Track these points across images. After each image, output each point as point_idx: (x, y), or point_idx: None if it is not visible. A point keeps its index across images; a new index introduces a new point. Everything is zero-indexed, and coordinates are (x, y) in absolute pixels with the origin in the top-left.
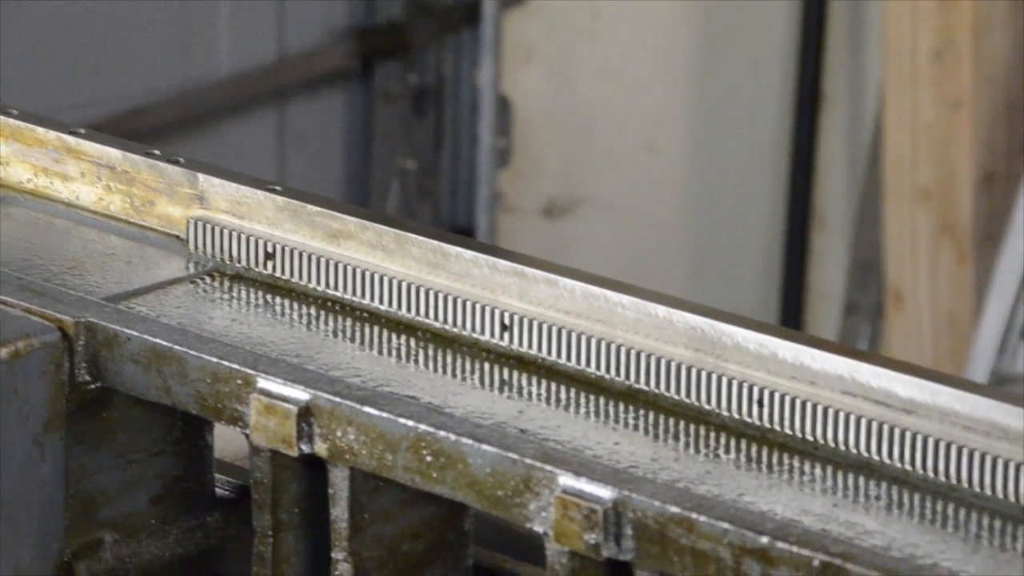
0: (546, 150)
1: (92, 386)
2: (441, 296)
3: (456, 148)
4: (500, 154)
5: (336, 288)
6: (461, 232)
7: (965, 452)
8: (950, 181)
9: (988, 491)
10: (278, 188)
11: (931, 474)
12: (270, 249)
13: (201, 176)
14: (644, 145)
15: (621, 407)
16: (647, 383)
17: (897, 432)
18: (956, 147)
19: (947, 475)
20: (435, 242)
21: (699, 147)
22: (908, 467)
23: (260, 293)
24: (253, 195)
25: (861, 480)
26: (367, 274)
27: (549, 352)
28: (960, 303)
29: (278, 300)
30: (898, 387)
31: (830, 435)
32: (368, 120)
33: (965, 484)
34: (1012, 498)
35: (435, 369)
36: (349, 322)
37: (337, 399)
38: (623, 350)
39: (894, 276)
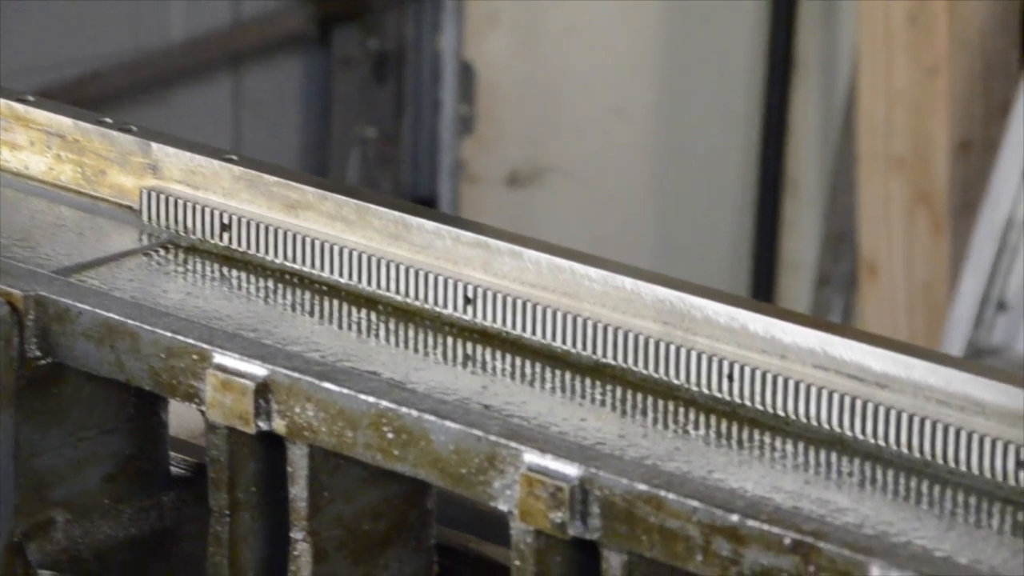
0: (510, 117)
1: (42, 362)
2: (403, 268)
3: (418, 115)
4: (463, 121)
5: (294, 260)
6: (423, 202)
7: (940, 427)
8: (926, 149)
9: (963, 467)
10: (234, 157)
11: (905, 450)
12: (226, 220)
13: (154, 145)
14: (611, 111)
15: (588, 382)
16: (614, 357)
17: (870, 407)
18: (932, 114)
19: (921, 451)
20: (396, 213)
21: (668, 113)
22: (881, 443)
23: (216, 266)
24: (208, 164)
25: (833, 456)
26: (326, 246)
27: (514, 326)
28: (935, 274)
29: (234, 273)
30: (871, 361)
31: (802, 410)
32: (327, 86)
33: (940, 460)
34: (988, 474)
35: (397, 344)
36: (308, 295)
37: (296, 375)
38: (590, 323)
39: (868, 247)
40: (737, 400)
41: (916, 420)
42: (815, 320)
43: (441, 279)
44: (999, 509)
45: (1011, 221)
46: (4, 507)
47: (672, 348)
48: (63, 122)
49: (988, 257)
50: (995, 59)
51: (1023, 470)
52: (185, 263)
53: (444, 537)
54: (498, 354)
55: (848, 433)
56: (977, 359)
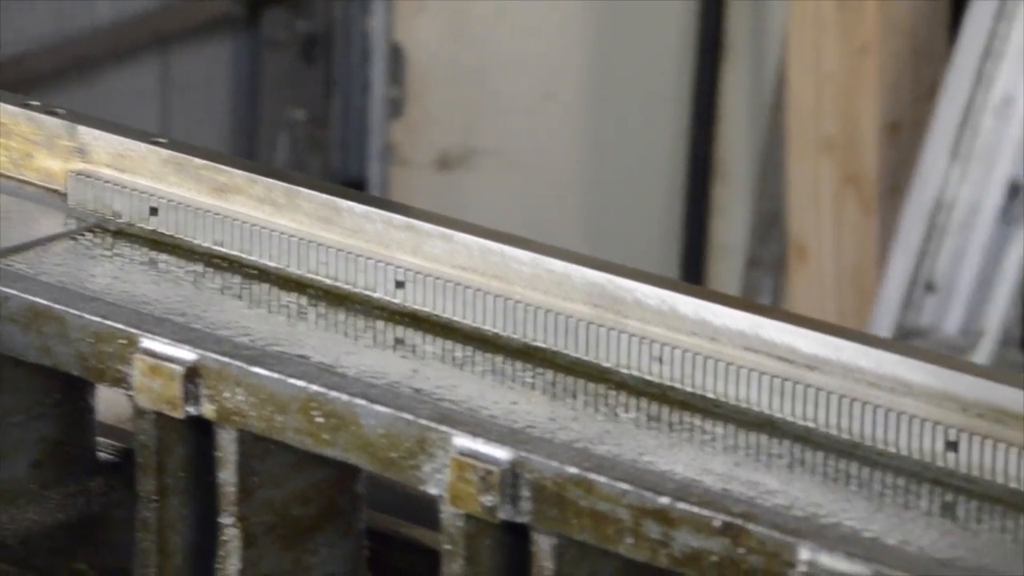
0: (440, 100)
1: None
2: (333, 252)
3: (347, 98)
4: (392, 104)
5: (223, 244)
6: (352, 185)
7: (869, 409)
8: (854, 131)
9: (892, 448)
10: (162, 140)
11: (834, 431)
12: (154, 204)
13: (81, 128)
14: (541, 94)
15: (518, 365)
16: (545, 340)
17: (800, 389)
18: (861, 95)
19: (851, 432)
20: (326, 196)
21: (598, 96)
22: (811, 424)
23: (144, 250)
24: (136, 148)
25: (763, 438)
26: (256, 229)
27: (444, 309)
28: (864, 256)
29: (163, 257)
30: (801, 343)
31: (732, 392)
32: (255, 69)
33: (869, 441)
34: (916, 455)
35: (327, 328)
36: (237, 279)
37: (225, 359)
38: (520, 306)
39: (797, 229)
40: (667, 383)
41: (846, 402)
42: (745, 302)
43: (371, 262)
44: (927, 490)
45: (939, 202)
46: None
47: (603, 331)
48: None
49: (916, 238)
50: (923, 41)
51: (951, 451)
52: (113, 247)
53: (374, 521)
54: (428, 337)
55: (778, 415)
56: (906, 340)
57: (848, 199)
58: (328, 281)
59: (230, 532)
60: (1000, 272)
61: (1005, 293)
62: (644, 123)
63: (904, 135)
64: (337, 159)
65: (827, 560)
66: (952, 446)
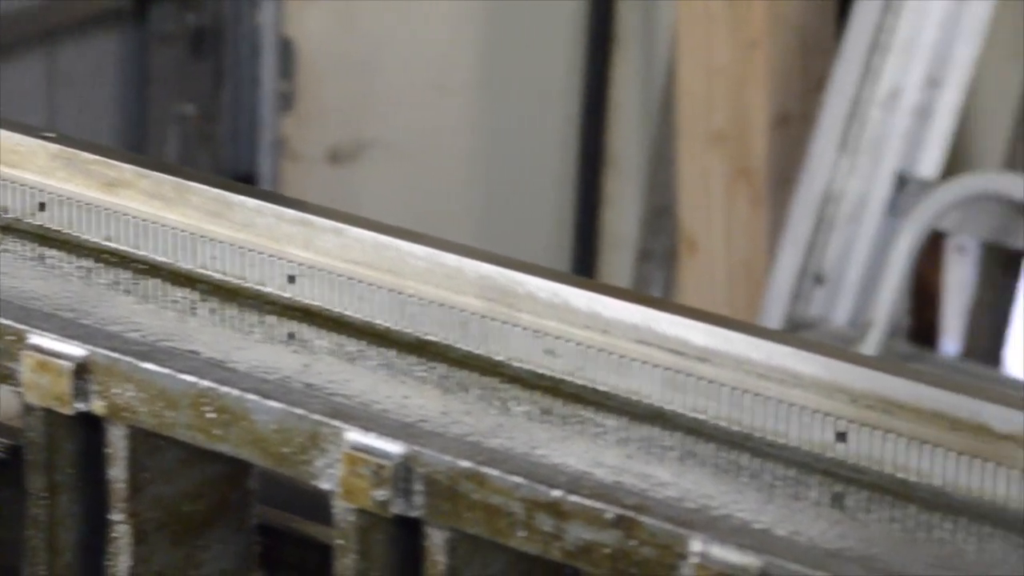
0: (331, 93)
1: None
2: (223, 247)
3: (237, 92)
4: (283, 98)
5: (113, 239)
6: (243, 179)
7: (760, 400)
8: (744, 124)
9: (782, 439)
10: (51, 135)
11: (725, 423)
12: (43, 199)
13: None
14: (432, 87)
15: (411, 359)
16: (437, 335)
17: (691, 381)
18: (751, 88)
19: (741, 424)
20: (216, 190)
21: (489, 89)
22: (702, 416)
23: (32, 245)
24: (24, 143)
25: (655, 431)
26: (145, 224)
27: (336, 304)
28: (754, 248)
29: (51, 252)
30: (693, 335)
31: (624, 385)
32: (143, 63)
33: (759, 433)
34: (807, 447)
35: (218, 323)
36: (127, 275)
37: (115, 355)
38: (413, 301)
39: (688, 221)
40: (560, 376)
41: (736, 393)
42: (637, 295)
43: (263, 257)
44: (817, 481)
45: (828, 195)
46: None
47: (495, 324)
48: None
49: (806, 231)
50: (811, 35)
51: (841, 442)
52: (0, 243)
53: (266, 517)
54: (321, 332)
55: (669, 407)
56: (795, 332)
57: (738, 191)
58: (219, 276)
59: (120, 529)
60: (888, 264)
61: (893, 284)
62: (535, 115)
63: (793, 128)
64: (227, 153)
65: (718, 552)
66: (841, 437)
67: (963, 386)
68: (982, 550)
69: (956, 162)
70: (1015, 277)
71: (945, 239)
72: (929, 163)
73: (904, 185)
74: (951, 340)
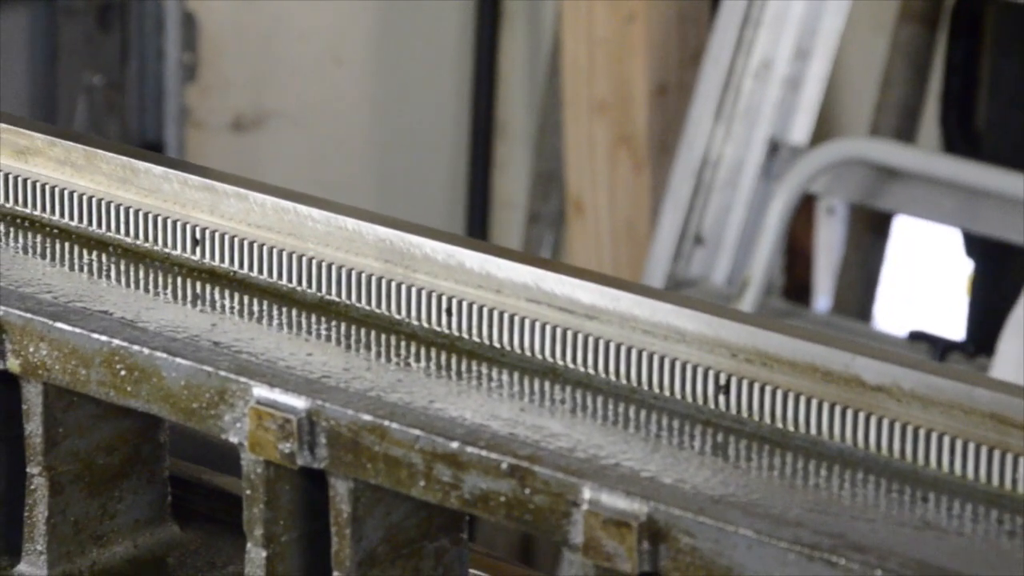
0: (233, 65)
1: None
2: (132, 212)
3: (143, 63)
4: (187, 69)
5: (25, 205)
6: (150, 147)
7: (645, 355)
8: (626, 93)
9: (667, 392)
10: None
11: (613, 377)
12: None
13: None
14: (330, 58)
15: (313, 319)
16: (338, 294)
17: (580, 337)
18: (631, 60)
19: (628, 378)
20: (124, 158)
21: (384, 60)
22: (591, 371)
23: None
24: None
25: (547, 385)
26: (56, 190)
27: (241, 266)
28: (637, 211)
29: None
30: (581, 294)
31: (516, 342)
32: (52, 36)
33: (645, 386)
34: (690, 399)
35: (127, 284)
36: (39, 239)
37: (29, 315)
38: (314, 263)
39: (574, 186)
40: (455, 333)
41: (623, 349)
42: (527, 256)
43: (169, 221)
44: (700, 431)
45: (705, 160)
46: None
47: (393, 285)
48: None
49: (685, 195)
50: (687, 9)
51: (722, 394)
52: None
53: (178, 469)
54: (226, 293)
55: (560, 363)
56: (677, 290)
57: (621, 158)
58: (128, 239)
59: (37, 481)
60: (763, 226)
61: (768, 245)
62: (429, 86)
63: (672, 97)
64: (135, 122)
65: (608, 499)
66: (723, 389)
67: (835, 340)
68: (855, 495)
69: (825, 129)
70: (883, 237)
71: (816, 201)
72: (800, 130)
73: (776, 151)
74: (823, 297)
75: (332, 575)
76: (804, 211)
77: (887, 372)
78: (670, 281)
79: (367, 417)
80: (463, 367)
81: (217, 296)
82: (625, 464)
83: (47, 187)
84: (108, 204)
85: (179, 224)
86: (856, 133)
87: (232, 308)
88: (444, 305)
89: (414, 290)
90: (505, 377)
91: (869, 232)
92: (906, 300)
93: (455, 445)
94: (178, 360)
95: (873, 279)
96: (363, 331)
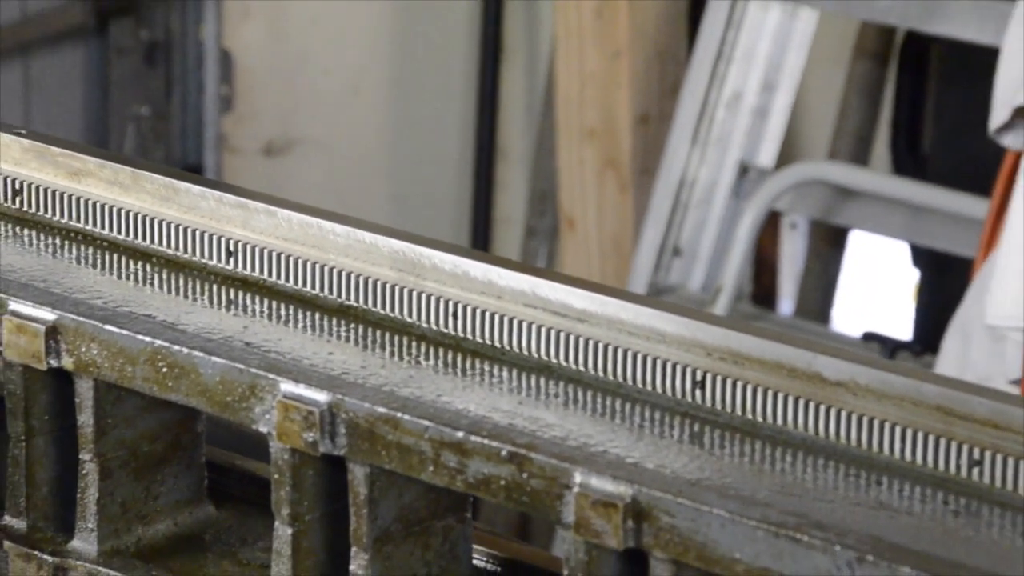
0: (264, 97)
1: None
2: (173, 226)
3: (184, 96)
4: (224, 101)
5: (78, 220)
6: (190, 170)
7: (630, 354)
8: (612, 121)
9: (649, 387)
10: (24, 132)
11: (601, 374)
12: (18, 186)
13: None
14: (350, 91)
15: (334, 322)
16: (356, 300)
17: (572, 338)
18: (616, 92)
19: (615, 374)
20: (166, 179)
21: (398, 92)
22: (582, 368)
23: (10, 226)
24: (2, 139)
25: (542, 381)
26: (106, 207)
27: (270, 274)
28: (622, 227)
29: (26, 232)
30: (573, 299)
31: (515, 342)
32: (104, 72)
33: (630, 382)
34: (669, 392)
35: (169, 291)
36: (91, 251)
37: (81, 318)
38: (335, 271)
39: (566, 204)
40: (461, 334)
41: (610, 349)
42: (525, 266)
43: (206, 235)
44: (679, 422)
45: (683, 182)
46: None
47: (406, 291)
48: None
49: (665, 212)
50: (667, 47)
51: (699, 389)
52: None
53: (213, 456)
54: (257, 299)
55: (554, 361)
56: (658, 297)
57: (608, 179)
58: (169, 251)
59: (88, 467)
60: (734, 239)
61: (739, 256)
62: (437, 114)
63: (653, 126)
64: (177, 148)
65: (596, 482)
66: (699, 385)
67: (798, 340)
68: (817, 479)
69: (788, 153)
70: (839, 249)
71: (781, 217)
72: (766, 154)
73: (746, 173)
74: (787, 302)
75: (351, 550)
76: (770, 226)
77: (845, 369)
78: (651, 288)
79: (382, 409)
80: (467, 365)
81: (248, 302)
82: (612, 451)
83: (98, 204)
84: (152, 220)
85: (215, 237)
86: (816, 157)
87: (262, 312)
88: (451, 310)
89: (424, 296)
90: (505, 374)
91: (827, 244)
92: (860, 304)
93: (460, 434)
94: (214, 358)
95: (831, 286)
96: (378, 333)
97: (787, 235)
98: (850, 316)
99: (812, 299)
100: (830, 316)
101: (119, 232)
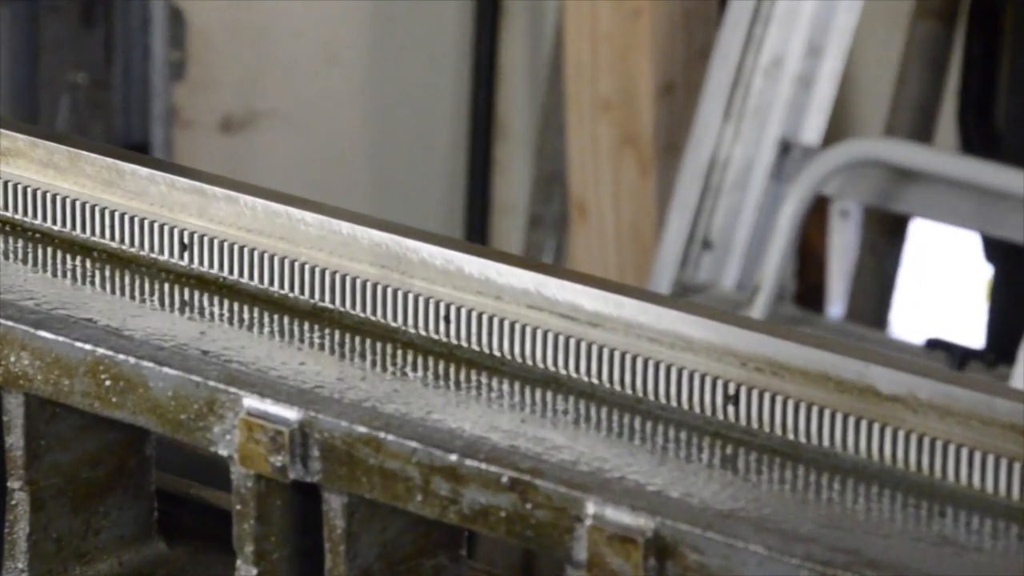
0: (222, 63)
1: None
2: (117, 215)
3: (128, 61)
4: (174, 67)
5: (6, 208)
6: (136, 149)
7: (651, 364)
8: (631, 91)
9: (674, 403)
10: None
11: (618, 387)
12: None
13: None
14: (323, 56)
15: (306, 326)
16: (332, 301)
17: (583, 345)
18: (636, 56)
19: (633, 388)
20: (109, 159)
21: (380, 58)
22: (595, 380)
23: None
24: None
25: (549, 395)
26: (39, 193)
27: (231, 271)
28: (643, 214)
29: None
30: (583, 300)
31: (517, 350)
32: (34, 33)
33: (651, 396)
34: (697, 409)
35: (112, 291)
36: (21, 243)
37: (9, 323)
38: (307, 268)
39: (577, 188)
40: (454, 341)
41: (628, 358)
42: (528, 261)
43: (156, 225)
44: (708, 443)
45: (714, 162)
46: None
47: (389, 291)
48: None
49: (693, 197)
50: (695, 5)
51: (731, 404)
52: None
53: (165, 483)
54: (215, 300)
55: (563, 372)
56: (684, 296)
57: (626, 158)
58: (113, 244)
59: (18, 496)
60: (774, 229)
61: (779, 249)
62: (426, 85)
63: (678, 96)
64: (120, 123)
65: (612, 514)
66: (732, 400)
67: (849, 348)
68: (870, 509)
69: (838, 129)
70: (898, 241)
71: (829, 204)
72: (812, 130)
73: (788, 152)
74: (836, 303)
75: None
76: (817, 214)
77: (902, 381)
78: (677, 287)
79: (362, 429)
80: (462, 376)
81: (206, 303)
82: (630, 477)
83: (29, 190)
84: (92, 208)
85: (167, 228)
86: (870, 133)
87: (221, 315)
88: (442, 312)
89: (411, 296)
90: (506, 387)
91: (884, 236)
92: (923, 306)
93: (454, 458)
94: (165, 370)
95: (888, 284)
96: (358, 339)
97: (837, 224)
98: (911, 320)
99: (866, 300)
100: (887, 320)
101: (54, 222)
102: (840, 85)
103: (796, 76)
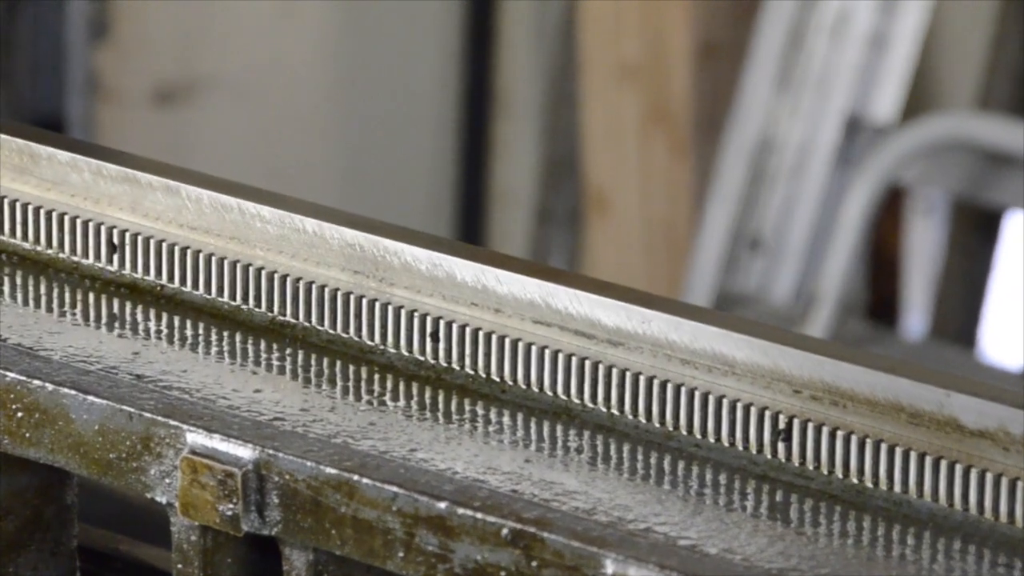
0: (156, 21)
1: None
2: (30, 209)
3: (37, 17)
4: (95, 25)
5: None
6: (48, 124)
7: (684, 391)
8: (661, 56)
9: (712, 439)
10: None
11: (643, 419)
12: None
13: None
14: (278, 11)
15: (263, 345)
16: (295, 314)
17: (602, 369)
18: (668, 13)
19: (662, 420)
20: (20, 140)
21: (350, 13)
22: (615, 412)
23: None
24: None
25: (559, 429)
26: None
27: (171, 278)
28: (676, 207)
29: None
30: (602, 314)
31: (520, 374)
32: None
33: (684, 431)
34: (740, 446)
35: (25, 302)
36: None
37: None
38: (264, 274)
39: (596, 174)
40: (444, 363)
41: (656, 384)
42: (534, 266)
43: (79, 222)
44: (754, 488)
45: (764, 142)
46: None
47: (364, 302)
48: None
49: (738, 185)
50: None
51: (782, 440)
52: None
53: (89, 537)
54: (152, 312)
55: (576, 401)
56: (727, 309)
57: (655, 138)
58: (25, 244)
59: None
60: (838, 226)
61: (844, 250)
62: (407, 47)
63: (720, 60)
64: (27, 92)
65: (636, 573)
66: (783, 435)
67: (926, 373)
68: (951, 569)
69: (918, 102)
70: (991, 240)
71: (907, 195)
72: (885, 103)
73: (855, 130)
74: (915, 317)
75: None
76: (891, 208)
77: (992, 414)
78: (719, 296)
79: (331, 470)
80: (453, 406)
81: (140, 317)
82: (658, 530)
83: None
84: (1, 200)
85: (91, 225)
86: (958, 107)
87: (159, 332)
88: (429, 328)
89: (391, 309)
90: (506, 419)
91: (974, 234)
92: (1020, 322)
93: (443, 506)
94: (90, 399)
95: (979, 294)
96: (326, 361)
97: (916, 221)
98: (1005, 338)
99: (952, 313)
100: (976, 338)
101: None
102: (920, 47)
103: (866, 36)
